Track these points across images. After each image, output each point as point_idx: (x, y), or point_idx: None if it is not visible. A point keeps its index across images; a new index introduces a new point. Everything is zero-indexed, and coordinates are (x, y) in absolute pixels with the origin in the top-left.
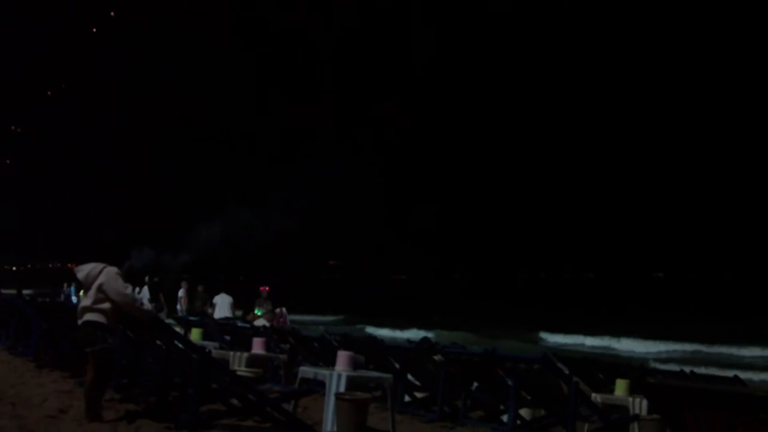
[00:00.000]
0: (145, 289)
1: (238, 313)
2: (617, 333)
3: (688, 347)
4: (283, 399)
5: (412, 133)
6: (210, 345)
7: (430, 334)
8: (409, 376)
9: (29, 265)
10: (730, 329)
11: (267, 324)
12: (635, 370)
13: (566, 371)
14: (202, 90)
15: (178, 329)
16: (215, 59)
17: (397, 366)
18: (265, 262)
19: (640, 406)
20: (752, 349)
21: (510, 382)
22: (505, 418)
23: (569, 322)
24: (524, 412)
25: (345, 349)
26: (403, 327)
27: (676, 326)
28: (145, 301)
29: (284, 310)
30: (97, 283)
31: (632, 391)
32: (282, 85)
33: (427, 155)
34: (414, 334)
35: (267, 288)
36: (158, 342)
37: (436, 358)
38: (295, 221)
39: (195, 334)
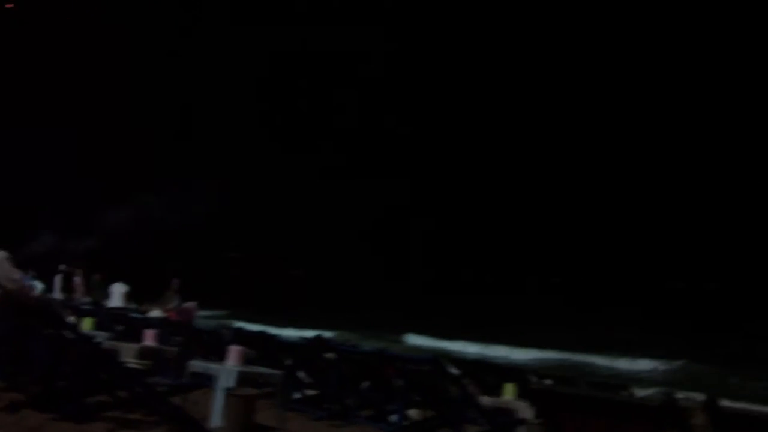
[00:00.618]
0: (58, 277)
1: (133, 305)
2: (489, 339)
3: (557, 355)
4: (172, 392)
5: (326, 127)
6: (101, 335)
7: (314, 333)
8: (301, 373)
9: None
10: (604, 338)
11: (162, 315)
12: (522, 374)
13: (456, 373)
14: (105, 71)
15: (70, 318)
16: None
17: (289, 362)
18: (169, 252)
19: (526, 410)
20: (619, 360)
21: (400, 383)
22: (394, 417)
23: (438, 326)
24: (413, 413)
25: (237, 344)
26: (287, 324)
27: (550, 334)
28: (56, 291)
29: (192, 304)
30: None
31: (520, 395)
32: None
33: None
34: (296, 332)
35: (178, 280)
36: (47, 330)
37: (329, 355)
38: (204, 210)
39: (87, 324)
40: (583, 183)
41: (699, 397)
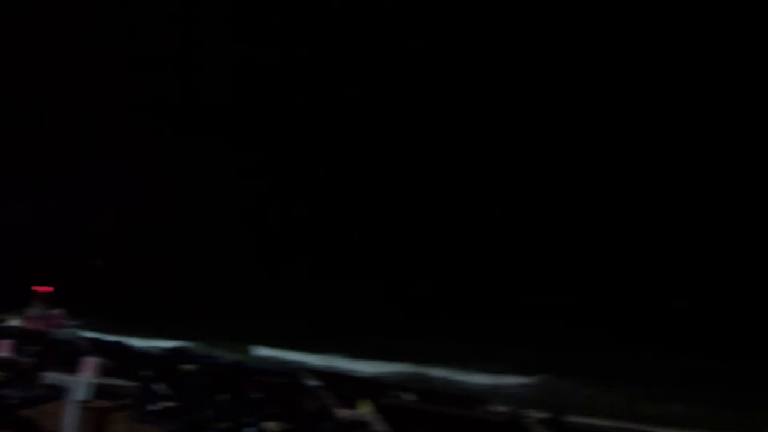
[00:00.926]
0: None
1: None
2: (338, 350)
3: (414, 369)
4: (24, 405)
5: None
6: None
7: (172, 344)
8: (158, 385)
9: None
10: (463, 352)
11: (21, 325)
12: (380, 388)
13: (314, 386)
14: None
15: None
16: None
17: (146, 374)
18: (35, 258)
19: (382, 424)
20: (477, 375)
21: (257, 395)
22: (250, 430)
23: (283, 336)
24: (271, 426)
25: (93, 355)
26: (145, 335)
27: (406, 346)
28: None
29: (60, 311)
30: None
31: (377, 409)
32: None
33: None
34: (155, 343)
35: (45, 289)
36: None
37: (187, 367)
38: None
39: None
40: (443, 188)
41: (550, 412)
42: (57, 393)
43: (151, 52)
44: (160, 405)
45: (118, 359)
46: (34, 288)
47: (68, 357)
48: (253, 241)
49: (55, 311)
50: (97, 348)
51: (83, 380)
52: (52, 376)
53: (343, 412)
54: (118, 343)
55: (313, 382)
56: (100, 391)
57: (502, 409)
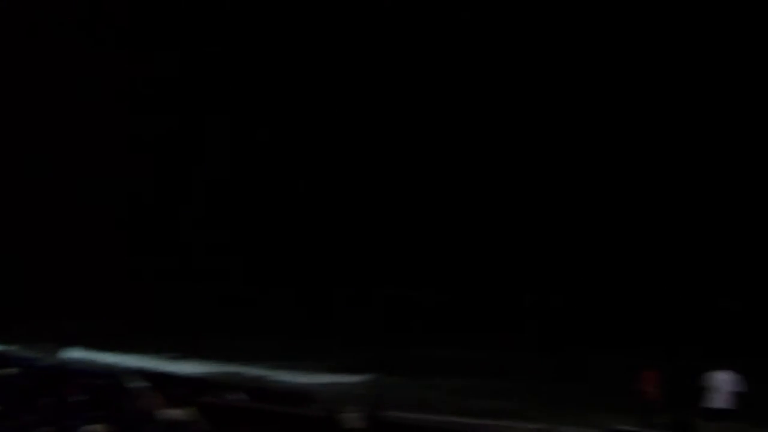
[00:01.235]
0: None
1: None
2: (158, 350)
3: (233, 368)
4: None
5: None
6: None
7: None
8: None
9: None
10: (294, 349)
11: None
12: (206, 387)
13: (141, 387)
14: None
15: None
16: None
17: None
18: None
19: (205, 423)
20: (307, 374)
21: (80, 398)
22: None
23: (104, 337)
24: (98, 428)
25: None
26: None
27: (232, 344)
28: None
29: None
30: None
31: (201, 408)
32: None
33: None
34: None
35: None
36: None
37: (7, 371)
38: None
39: None
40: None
41: (376, 409)
42: None
43: None
44: None
45: None
46: None
47: None
48: (74, 241)
49: None
50: None
51: None
52: None
53: (167, 413)
54: None
55: (136, 384)
56: None
57: (326, 406)
